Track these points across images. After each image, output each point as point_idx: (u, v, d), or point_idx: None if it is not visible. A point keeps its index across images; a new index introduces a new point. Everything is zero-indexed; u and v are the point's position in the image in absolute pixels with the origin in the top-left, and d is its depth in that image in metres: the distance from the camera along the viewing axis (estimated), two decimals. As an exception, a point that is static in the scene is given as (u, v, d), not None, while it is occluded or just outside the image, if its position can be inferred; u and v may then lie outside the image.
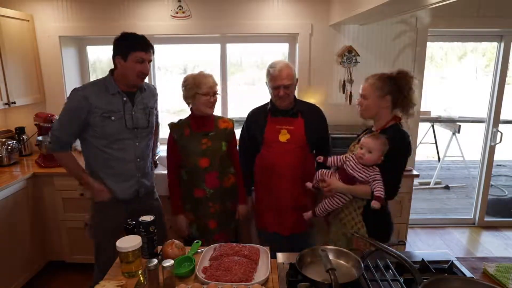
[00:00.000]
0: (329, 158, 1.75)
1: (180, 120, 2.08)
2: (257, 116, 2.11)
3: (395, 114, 1.69)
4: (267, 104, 2.11)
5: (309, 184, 1.86)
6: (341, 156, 1.72)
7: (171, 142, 2.06)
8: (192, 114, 2.02)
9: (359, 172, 1.61)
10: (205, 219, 2.04)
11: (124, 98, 1.83)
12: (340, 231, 1.74)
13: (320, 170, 1.78)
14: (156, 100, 2.07)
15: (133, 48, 1.74)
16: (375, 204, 1.53)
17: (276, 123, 2.02)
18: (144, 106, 1.91)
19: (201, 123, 2.01)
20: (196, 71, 2.01)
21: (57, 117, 1.88)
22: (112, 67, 1.84)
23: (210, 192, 2.00)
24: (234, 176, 2.11)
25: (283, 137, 1.99)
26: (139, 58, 1.75)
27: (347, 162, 1.66)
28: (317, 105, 2.15)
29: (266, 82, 2.00)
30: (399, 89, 1.64)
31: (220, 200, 2.04)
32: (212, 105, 1.97)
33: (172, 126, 2.07)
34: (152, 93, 2.02)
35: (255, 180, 2.17)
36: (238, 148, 2.20)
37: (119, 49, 1.77)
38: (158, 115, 2.14)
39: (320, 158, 1.75)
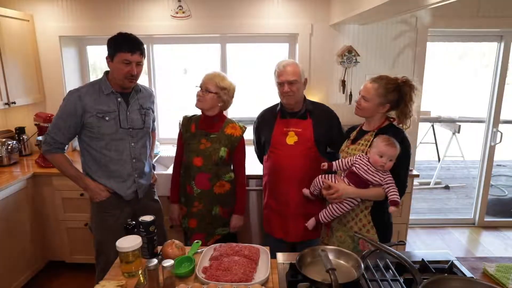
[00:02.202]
0: (334, 164, 1.70)
1: (194, 115, 2.07)
2: (266, 117, 2.08)
3: (388, 115, 1.72)
4: (277, 105, 2.07)
5: (306, 191, 1.78)
6: (346, 160, 1.67)
7: (179, 134, 2.08)
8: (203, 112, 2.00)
9: (373, 175, 1.59)
10: (189, 216, 2.03)
11: (119, 99, 1.82)
12: (345, 235, 1.72)
13: (320, 176, 1.73)
14: (153, 101, 2.04)
15: (119, 49, 1.71)
16: (393, 210, 1.55)
17: (284, 125, 1.97)
18: (139, 107, 1.90)
19: (207, 123, 1.99)
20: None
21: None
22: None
23: (197, 191, 1.97)
24: (230, 183, 2.03)
25: (291, 139, 1.94)
26: (124, 59, 1.72)
27: (358, 166, 1.61)
28: (328, 106, 2.09)
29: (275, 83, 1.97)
30: (400, 98, 1.65)
31: (206, 203, 1.98)
32: (200, 99, 1.91)
33: (183, 118, 2.08)
34: (148, 94, 2.00)
35: (263, 182, 2.12)
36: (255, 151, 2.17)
37: (109, 48, 1.75)
38: (154, 119, 2.11)
39: (324, 165, 1.70)
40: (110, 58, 1.75)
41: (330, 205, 1.70)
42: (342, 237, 1.73)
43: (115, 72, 1.77)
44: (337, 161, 1.70)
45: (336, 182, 1.66)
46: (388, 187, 1.58)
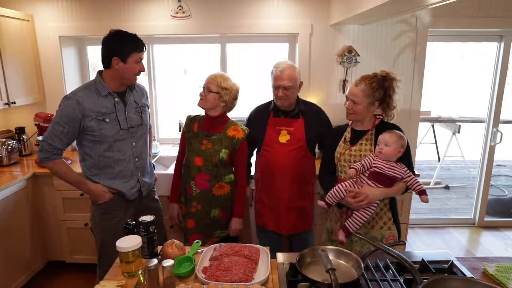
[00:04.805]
0: (357, 168, 1.64)
1: (198, 115, 2.07)
2: (259, 115, 2.11)
3: (375, 113, 1.76)
4: (269, 103, 2.11)
5: (321, 203, 1.71)
6: (364, 161, 1.65)
7: (182, 133, 2.09)
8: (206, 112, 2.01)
9: (394, 170, 1.62)
10: (187, 216, 2.03)
11: (116, 99, 1.81)
12: (366, 237, 1.70)
13: (341, 186, 1.68)
14: (147, 97, 2.03)
15: (133, 50, 1.73)
16: (426, 200, 1.60)
17: (277, 124, 2.02)
18: (136, 105, 1.90)
19: (210, 123, 1.99)
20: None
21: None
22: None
23: (197, 191, 1.96)
24: (230, 186, 2.01)
25: (283, 138, 1.99)
26: (138, 58, 1.76)
27: (379, 165, 1.62)
28: (319, 106, 2.14)
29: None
30: (385, 93, 1.68)
31: (205, 204, 1.98)
32: (202, 99, 1.92)
33: (186, 118, 2.09)
34: (141, 91, 1.99)
35: (255, 178, 2.16)
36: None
37: (117, 50, 1.72)
38: (150, 116, 2.10)
39: (352, 172, 1.63)
40: (122, 59, 1.73)
41: (356, 212, 1.66)
42: (362, 241, 1.71)
43: (127, 72, 1.77)
44: (356, 164, 1.65)
45: (360, 188, 1.65)
46: (410, 180, 1.63)
